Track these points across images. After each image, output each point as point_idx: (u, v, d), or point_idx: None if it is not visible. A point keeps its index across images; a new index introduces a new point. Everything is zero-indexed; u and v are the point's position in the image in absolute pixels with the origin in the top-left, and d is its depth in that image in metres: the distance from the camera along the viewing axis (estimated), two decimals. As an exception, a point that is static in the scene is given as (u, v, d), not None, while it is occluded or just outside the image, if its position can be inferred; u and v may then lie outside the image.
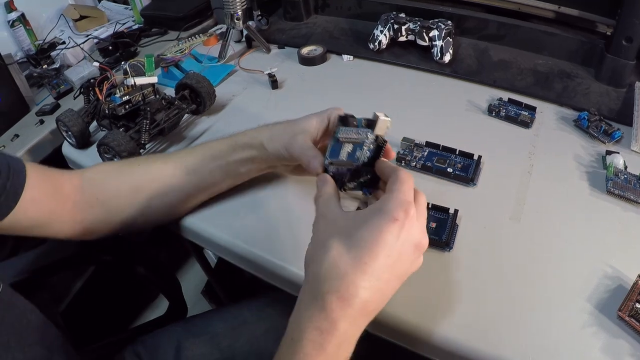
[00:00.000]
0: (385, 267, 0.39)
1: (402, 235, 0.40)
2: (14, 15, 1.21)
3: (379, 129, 0.49)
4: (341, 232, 0.41)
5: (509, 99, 0.79)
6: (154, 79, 0.79)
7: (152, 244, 0.63)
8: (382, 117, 0.49)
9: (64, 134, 0.82)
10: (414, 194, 0.43)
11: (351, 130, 0.49)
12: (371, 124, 0.49)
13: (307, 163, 0.50)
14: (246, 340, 0.69)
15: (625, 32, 0.77)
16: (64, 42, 1.22)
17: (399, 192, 0.41)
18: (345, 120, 0.50)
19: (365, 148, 0.49)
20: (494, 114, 0.77)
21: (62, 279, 1.14)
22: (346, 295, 0.38)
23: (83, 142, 0.81)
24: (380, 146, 0.49)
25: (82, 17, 1.31)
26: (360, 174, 0.50)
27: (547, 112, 0.78)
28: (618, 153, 0.66)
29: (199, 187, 0.61)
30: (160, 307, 1.31)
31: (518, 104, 0.78)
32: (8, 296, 0.50)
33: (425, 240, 0.42)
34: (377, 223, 0.40)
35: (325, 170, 0.49)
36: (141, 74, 0.80)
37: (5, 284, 0.50)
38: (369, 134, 0.49)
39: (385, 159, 0.50)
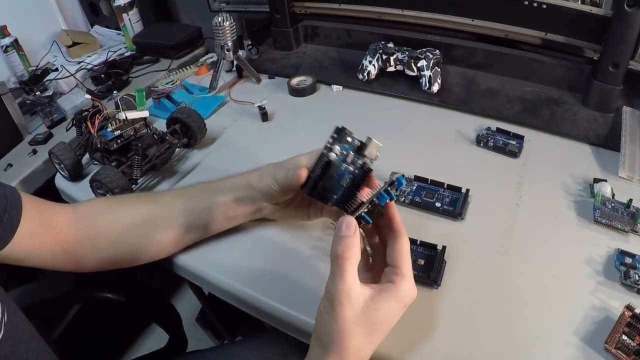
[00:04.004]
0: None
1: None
2: (7, 41, 1.21)
3: (370, 152, 0.48)
4: (365, 321, 0.42)
5: (497, 128, 0.80)
6: (145, 114, 0.79)
7: (145, 269, 0.63)
8: (374, 140, 0.48)
9: (57, 166, 0.82)
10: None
11: (342, 147, 0.48)
12: (362, 147, 0.48)
13: (293, 173, 0.50)
14: None
15: (611, 58, 0.78)
16: (57, 69, 1.22)
17: (409, 272, 0.45)
18: (340, 133, 0.48)
19: (353, 168, 0.48)
20: (482, 144, 0.78)
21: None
22: None
23: (76, 174, 0.81)
24: (366, 172, 0.48)
25: (74, 44, 1.32)
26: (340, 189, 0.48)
27: (535, 141, 0.78)
28: (605, 181, 0.67)
29: (187, 230, 0.61)
30: (154, 334, 1.29)
31: (506, 133, 0.78)
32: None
33: (415, 294, 0.45)
34: (393, 309, 0.43)
35: (308, 181, 0.49)
36: (132, 107, 0.80)
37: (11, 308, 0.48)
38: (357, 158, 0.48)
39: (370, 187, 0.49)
